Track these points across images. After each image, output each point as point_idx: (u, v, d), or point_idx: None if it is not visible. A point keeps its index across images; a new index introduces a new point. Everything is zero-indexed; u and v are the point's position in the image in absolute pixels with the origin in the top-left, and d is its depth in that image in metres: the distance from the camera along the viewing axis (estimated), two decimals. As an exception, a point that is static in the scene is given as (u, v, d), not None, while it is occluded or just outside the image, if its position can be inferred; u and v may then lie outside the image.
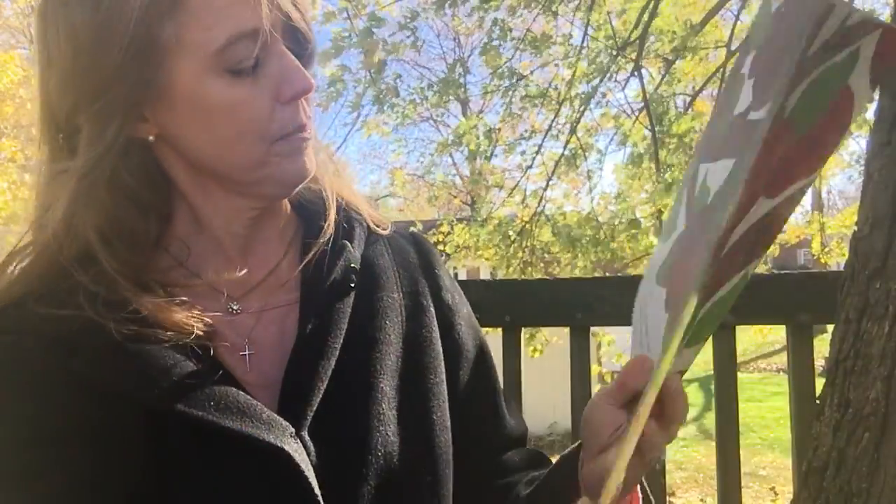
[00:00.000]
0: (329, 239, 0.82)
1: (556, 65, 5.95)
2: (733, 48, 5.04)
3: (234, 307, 0.78)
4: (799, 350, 1.48)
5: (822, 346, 1.34)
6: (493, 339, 1.08)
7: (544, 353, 5.46)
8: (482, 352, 0.90)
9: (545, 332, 5.47)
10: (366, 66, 5.09)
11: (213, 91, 0.70)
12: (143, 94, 0.70)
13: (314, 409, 0.73)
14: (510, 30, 5.49)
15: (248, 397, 0.71)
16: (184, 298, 0.74)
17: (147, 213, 0.76)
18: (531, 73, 6.09)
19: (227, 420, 0.68)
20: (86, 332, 0.69)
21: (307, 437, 0.71)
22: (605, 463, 0.66)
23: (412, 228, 0.95)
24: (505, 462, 0.87)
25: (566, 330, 1.53)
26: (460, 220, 6.24)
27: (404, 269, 0.87)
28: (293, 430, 0.71)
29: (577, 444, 0.77)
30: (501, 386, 0.92)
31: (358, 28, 4.94)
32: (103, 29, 0.68)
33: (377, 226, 0.89)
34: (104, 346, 0.69)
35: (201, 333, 0.72)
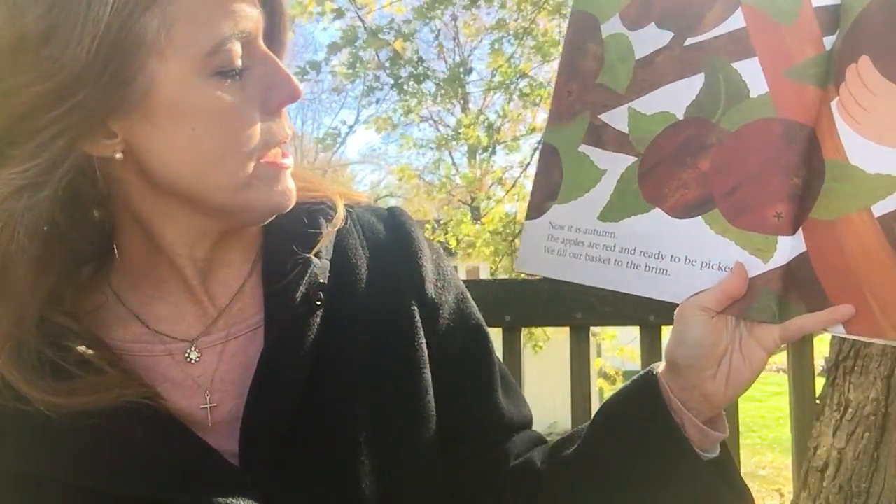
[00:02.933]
0: (292, 249, 0.72)
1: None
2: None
3: (193, 356, 0.70)
4: (799, 350, 1.48)
5: (822, 346, 1.34)
6: (494, 339, 1.07)
7: (544, 354, 5.46)
8: (474, 343, 0.81)
9: (544, 329, 5.46)
10: (376, 68, 5.14)
11: (200, 97, 0.60)
12: (114, 102, 0.58)
13: (276, 448, 0.66)
14: (524, 30, 5.50)
15: (200, 449, 0.65)
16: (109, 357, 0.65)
17: (76, 246, 0.67)
18: (533, 71, 6.09)
19: (169, 490, 0.63)
20: (8, 416, 0.62)
21: (268, 483, 0.66)
22: (754, 359, 0.67)
23: (391, 205, 0.84)
24: (511, 447, 0.79)
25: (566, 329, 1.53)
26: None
27: (380, 263, 0.76)
28: (250, 478, 0.65)
29: (640, 377, 0.73)
30: (503, 372, 0.83)
31: (366, 24, 5.00)
32: (63, 17, 0.55)
33: (350, 206, 0.79)
34: (30, 432, 0.62)
35: (141, 392, 0.64)
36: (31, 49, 0.56)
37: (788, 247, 0.66)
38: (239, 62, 0.62)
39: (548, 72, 6.11)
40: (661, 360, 0.72)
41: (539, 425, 0.85)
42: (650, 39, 0.74)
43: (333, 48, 5.08)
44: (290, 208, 0.68)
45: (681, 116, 0.71)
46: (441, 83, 5.80)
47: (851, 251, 0.63)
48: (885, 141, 0.63)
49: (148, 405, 0.64)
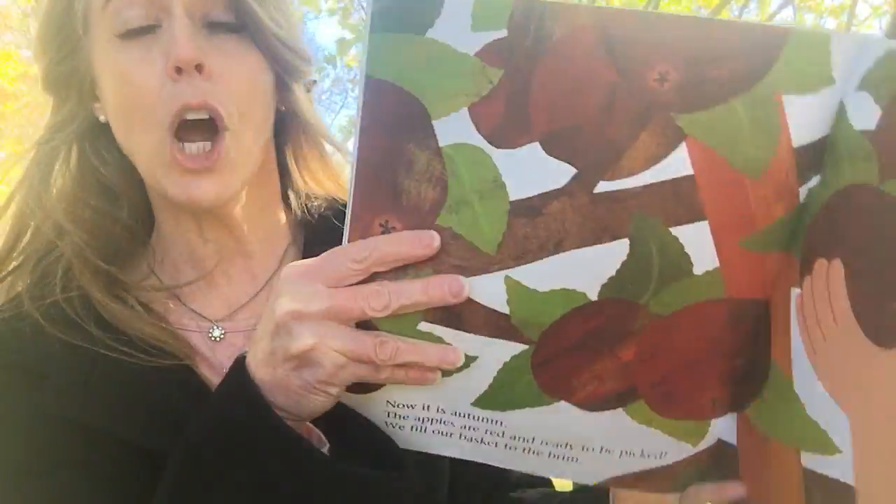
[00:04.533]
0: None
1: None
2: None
3: (217, 334, 0.71)
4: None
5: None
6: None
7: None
8: None
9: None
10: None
11: (107, 61, 0.63)
12: (66, 71, 0.67)
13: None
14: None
15: None
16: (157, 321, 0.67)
17: (121, 205, 0.70)
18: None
19: None
20: (54, 359, 0.63)
21: None
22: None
23: None
24: (513, 476, 0.80)
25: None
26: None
27: None
28: None
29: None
30: None
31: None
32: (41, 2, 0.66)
33: None
34: (74, 376, 0.63)
35: (180, 353, 0.66)
36: (40, 19, 0.68)
37: (722, 429, 0.56)
38: (137, 22, 0.62)
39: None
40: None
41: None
42: (534, 170, 0.47)
43: (343, 45, 5.12)
44: (212, 204, 0.65)
45: (593, 297, 0.49)
46: None
47: (769, 479, 0.53)
48: (834, 392, 0.46)
49: (186, 369, 0.66)
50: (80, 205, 0.69)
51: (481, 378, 0.53)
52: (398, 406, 0.55)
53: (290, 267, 0.52)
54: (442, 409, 0.55)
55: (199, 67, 0.61)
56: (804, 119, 0.45)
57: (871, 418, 0.44)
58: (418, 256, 0.49)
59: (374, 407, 0.56)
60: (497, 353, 0.52)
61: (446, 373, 0.52)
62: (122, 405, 0.63)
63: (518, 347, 0.51)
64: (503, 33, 0.45)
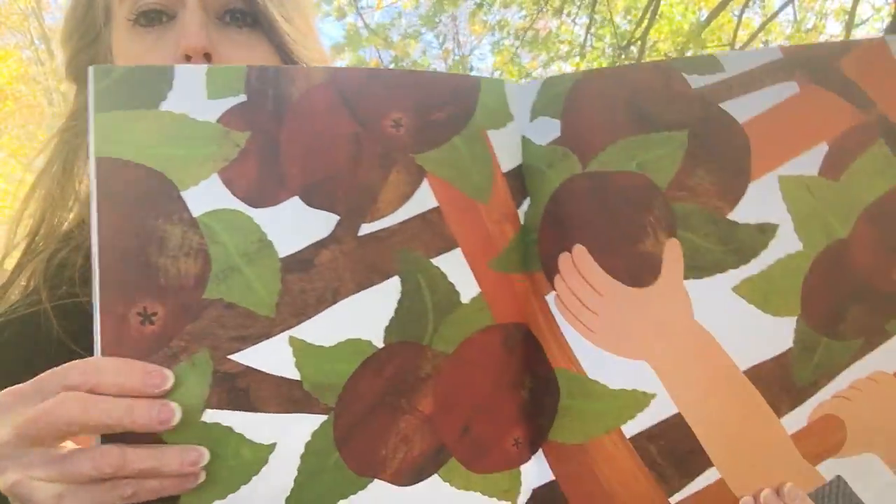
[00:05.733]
0: None
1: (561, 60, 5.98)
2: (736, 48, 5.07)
3: None
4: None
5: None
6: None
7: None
8: None
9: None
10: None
11: (123, 46, 0.66)
12: (108, 58, 0.68)
13: None
14: (525, 30, 5.52)
15: None
16: None
17: None
18: (538, 72, 6.10)
19: None
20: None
21: None
22: None
23: None
24: None
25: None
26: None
27: None
28: None
29: None
30: None
31: (369, 24, 5.03)
32: None
33: None
34: None
35: None
36: (67, 7, 0.71)
37: (533, 476, 0.53)
38: (150, 6, 0.64)
39: (554, 71, 6.14)
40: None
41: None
42: (299, 224, 0.48)
43: (337, 49, 5.14)
44: None
45: (380, 344, 0.49)
46: None
47: (606, 476, 0.52)
48: (623, 351, 0.51)
49: None
50: None
51: (285, 471, 0.47)
52: None
53: None
54: None
55: (207, 56, 0.63)
56: (503, 150, 0.53)
57: (662, 346, 0.51)
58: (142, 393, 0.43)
59: None
60: (297, 431, 0.48)
61: (244, 477, 0.46)
62: None
63: (317, 420, 0.48)
64: (243, 98, 0.48)
